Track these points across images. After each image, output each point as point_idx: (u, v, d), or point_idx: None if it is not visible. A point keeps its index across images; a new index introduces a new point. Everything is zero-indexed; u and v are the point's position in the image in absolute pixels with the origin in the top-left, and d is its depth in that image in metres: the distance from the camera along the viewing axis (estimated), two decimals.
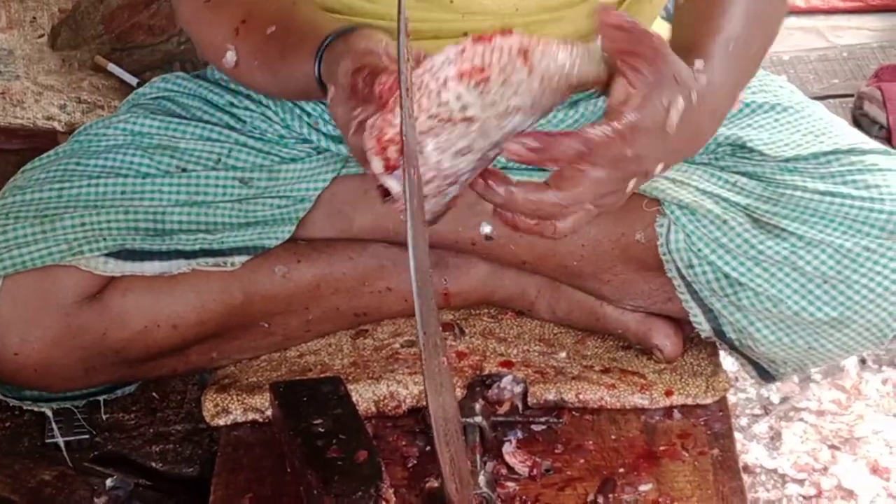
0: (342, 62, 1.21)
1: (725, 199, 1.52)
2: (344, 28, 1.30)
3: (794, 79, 2.63)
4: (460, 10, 1.51)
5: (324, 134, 1.60)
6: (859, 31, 2.90)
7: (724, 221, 1.51)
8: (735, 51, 1.28)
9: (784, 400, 1.78)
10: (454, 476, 1.05)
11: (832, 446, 1.69)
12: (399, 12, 1.04)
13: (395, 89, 1.08)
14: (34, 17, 2.31)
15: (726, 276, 1.51)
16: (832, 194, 1.50)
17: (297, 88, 1.36)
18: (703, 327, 1.56)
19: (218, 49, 1.43)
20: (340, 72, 1.20)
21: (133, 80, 2.30)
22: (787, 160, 1.55)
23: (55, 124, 2.20)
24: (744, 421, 1.75)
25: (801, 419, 1.75)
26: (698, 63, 1.22)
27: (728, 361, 1.71)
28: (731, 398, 1.72)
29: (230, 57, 1.41)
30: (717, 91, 1.24)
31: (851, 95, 2.51)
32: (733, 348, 1.58)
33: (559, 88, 1.07)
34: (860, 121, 2.40)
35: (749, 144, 1.57)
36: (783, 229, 1.49)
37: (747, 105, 1.63)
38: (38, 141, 2.24)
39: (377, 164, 1.09)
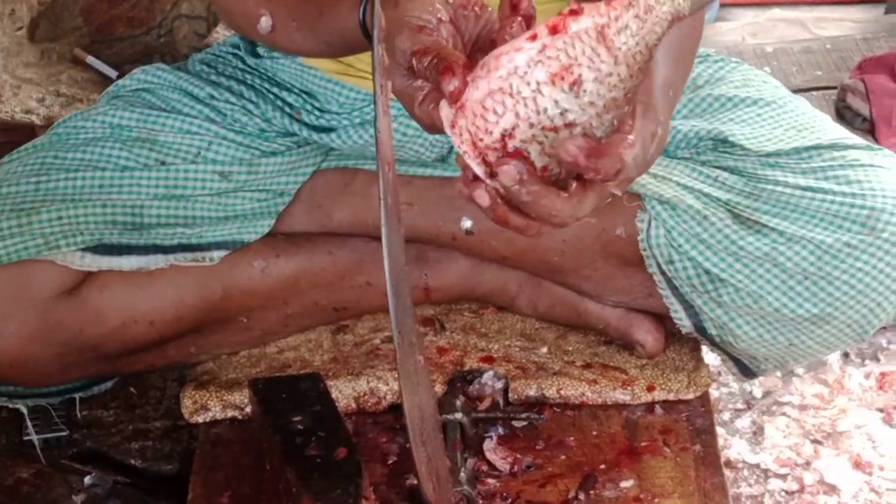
0: (398, 37, 1.12)
1: (706, 195, 1.52)
2: None
3: (778, 71, 2.62)
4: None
5: (306, 124, 1.58)
6: (843, 23, 2.90)
7: (705, 217, 1.50)
8: (673, 95, 1.27)
9: (766, 394, 1.78)
10: (431, 475, 1.04)
11: (815, 441, 1.69)
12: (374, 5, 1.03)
13: (464, 91, 1.04)
14: (13, 10, 2.29)
15: (707, 271, 1.50)
16: (813, 190, 1.49)
17: (341, 45, 1.30)
18: (684, 323, 1.55)
19: (250, 16, 1.37)
20: (398, 48, 1.12)
21: (113, 73, 2.28)
22: (769, 155, 1.54)
23: (33, 118, 2.18)
24: (726, 415, 1.74)
25: (784, 414, 1.74)
26: None
27: (710, 356, 1.70)
28: (714, 393, 1.72)
29: (265, 22, 1.36)
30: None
31: (835, 87, 2.50)
32: (714, 344, 1.57)
33: (643, 63, 1.02)
34: (843, 113, 2.39)
35: (731, 139, 1.56)
36: (764, 225, 1.49)
37: (729, 99, 1.62)
38: (15, 135, 2.22)
39: (480, 170, 1.05)
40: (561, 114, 1.02)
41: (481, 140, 1.04)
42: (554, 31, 1.02)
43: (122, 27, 2.36)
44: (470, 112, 1.04)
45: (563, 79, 1.01)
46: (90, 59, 2.30)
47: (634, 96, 1.04)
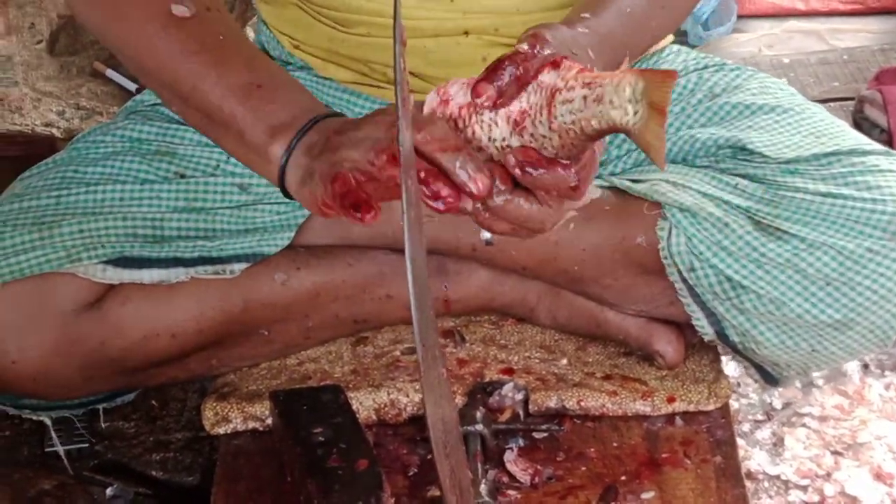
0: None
1: (726, 202, 1.52)
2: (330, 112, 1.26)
3: (795, 82, 2.62)
4: (461, 9, 1.51)
5: None
6: (859, 34, 2.90)
7: (726, 224, 1.50)
8: (631, 14, 1.30)
9: (786, 405, 1.77)
10: (454, 488, 1.04)
11: (835, 452, 1.68)
12: (395, 20, 1.03)
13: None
14: (33, 23, 2.31)
15: (728, 278, 1.50)
16: (833, 196, 1.49)
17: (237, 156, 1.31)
18: (706, 331, 1.55)
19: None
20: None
21: (132, 86, 2.29)
22: (788, 162, 1.54)
23: (53, 131, 2.20)
24: (746, 427, 1.74)
25: (804, 425, 1.74)
26: (584, 14, 1.26)
27: (730, 367, 1.70)
28: (734, 404, 1.71)
29: (182, 10, 1.31)
30: (603, 38, 1.25)
31: (852, 99, 2.50)
32: (736, 351, 1.57)
33: (576, 142, 1.08)
34: (861, 124, 2.39)
35: (749, 146, 1.56)
36: (785, 231, 1.49)
37: (747, 107, 1.62)
38: (36, 147, 2.24)
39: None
40: (502, 140, 1.11)
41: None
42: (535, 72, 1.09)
43: None
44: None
45: (513, 120, 1.09)
46: (110, 73, 2.31)
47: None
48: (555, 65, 1.08)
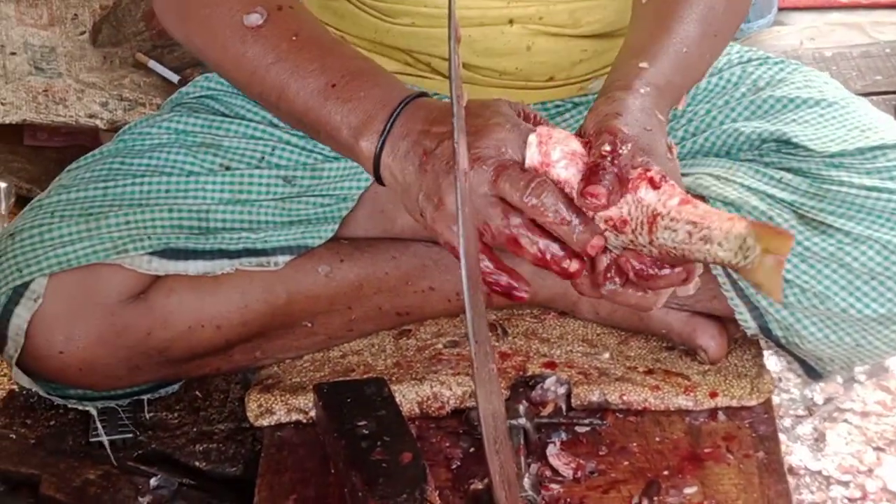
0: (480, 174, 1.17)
1: (771, 196, 1.51)
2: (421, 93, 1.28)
3: (837, 75, 2.60)
4: None
5: None
6: None
7: (770, 218, 1.50)
8: (687, 55, 1.32)
9: (828, 401, 1.77)
10: (503, 482, 1.05)
11: (877, 448, 1.68)
12: (450, 19, 1.03)
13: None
14: (76, 14, 2.32)
15: None
16: (878, 190, 1.49)
17: (328, 95, 1.31)
18: (749, 325, 1.55)
19: (236, 4, 1.36)
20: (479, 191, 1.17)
21: (174, 77, 2.30)
22: (833, 156, 1.54)
23: (97, 122, 2.21)
24: (787, 422, 1.73)
25: (846, 420, 1.73)
26: (642, 64, 1.27)
27: (772, 361, 1.69)
28: (775, 399, 1.71)
29: (255, 18, 1.35)
30: (663, 90, 1.26)
31: (895, 92, 2.48)
32: (780, 346, 1.57)
33: (676, 259, 1.12)
34: None
35: (794, 140, 1.56)
36: (829, 225, 1.48)
37: (791, 101, 1.62)
38: (80, 138, 2.25)
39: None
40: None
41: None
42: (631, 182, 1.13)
43: None
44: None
45: (613, 224, 1.13)
46: (152, 63, 2.32)
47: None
48: (653, 183, 1.11)
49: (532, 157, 1.16)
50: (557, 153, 1.15)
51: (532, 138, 1.16)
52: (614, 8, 1.55)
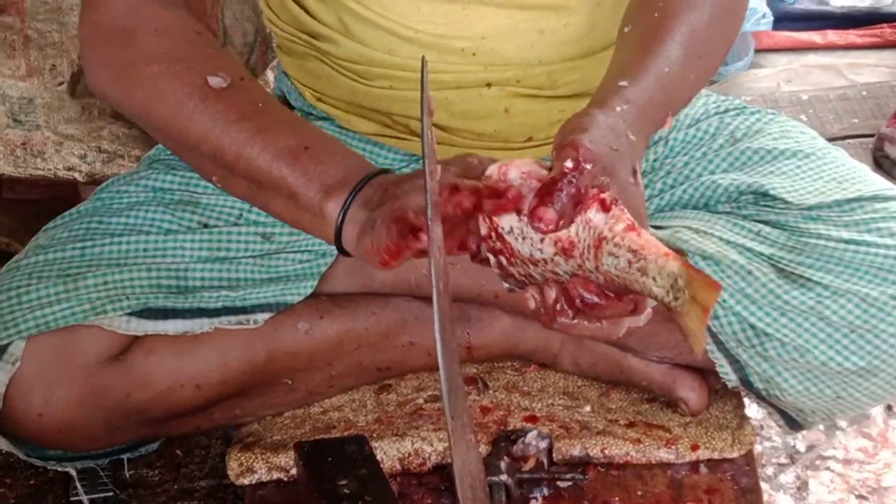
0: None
1: (749, 249, 1.52)
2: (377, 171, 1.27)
3: (814, 118, 2.62)
4: (483, 62, 1.52)
5: None
6: (877, 69, 2.90)
7: (749, 272, 1.50)
8: (670, 74, 1.28)
9: (810, 448, 1.76)
10: None
11: (860, 496, 1.67)
12: (422, 91, 1.04)
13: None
14: (53, 65, 2.31)
15: (752, 326, 1.50)
16: (857, 243, 1.49)
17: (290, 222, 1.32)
18: (730, 378, 1.55)
19: (201, 69, 1.34)
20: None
21: None
22: (811, 208, 1.54)
23: (76, 175, 2.20)
24: (770, 470, 1.73)
25: (828, 468, 1.73)
26: (622, 82, 1.24)
27: (753, 409, 1.69)
28: (757, 447, 1.71)
29: (220, 81, 1.33)
30: (644, 108, 1.23)
31: (872, 135, 2.50)
32: (760, 398, 1.57)
33: (620, 286, 1.09)
34: (881, 162, 2.39)
35: (772, 192, 1.56)
36: (808, 279, 1.49)
37: (769, 152, 1.63)
38: (59, 190, 2.24)
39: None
40: (554, 264, 1.11)
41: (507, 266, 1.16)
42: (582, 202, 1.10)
43: None
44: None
45: (562, 247, 1.10)
46: None
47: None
48: (603, 205, 1.08)
49: (490, 172, 1.14)
50: (513, 173, 1.12)
51: (493, 165, 1.14)
52: (592, 67, 1.55)
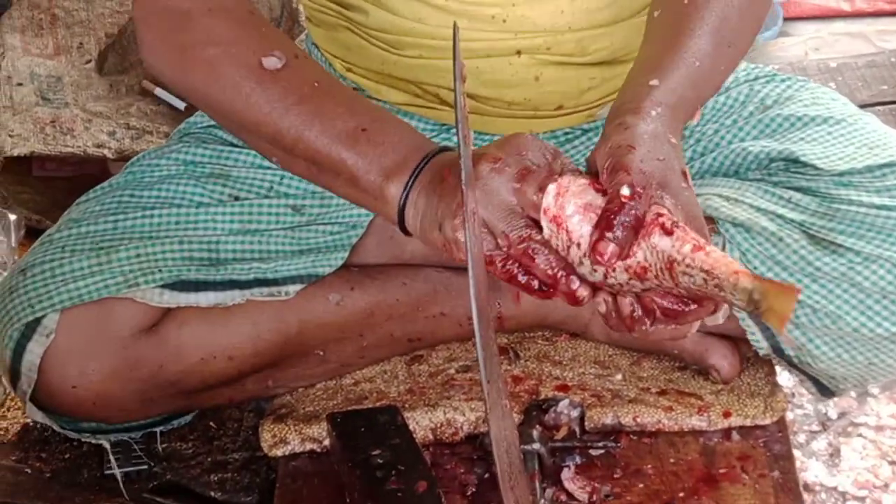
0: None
1: (780, 216, 1.51)
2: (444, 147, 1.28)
3: (843, 86, 2.60)
4: (513, 29, 1.51)
5: None
6: None
7: (780, 238, 1.50)
8: (700, 69, 1.28)
9: (842, 415, 1.76)
10: None
11: (892, 462, 1.67)
12: (455, 58, 1.03)
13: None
14: (81, 43, 2.32)
15: None
16: (888, 208, 1.49)
17: (351, 140, 1.30)
18: (761, 345, 1.55)
19: (256, 49, 1.34)
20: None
21: (181, 105, 2.30)
22: (842, 174, 1.54)
23: (105, 151, 2.20)
24: (801, 437, 1.73)
25: (860, 435, 1.73)
26: (652, 81, 1.24)
27: (784, 377, 1.69)
28: (789, 415, 1.71)
29: (274, 61, 1.33)
30: (676, 107, 1.23)
31: None
32: (792, 365, 1.57)
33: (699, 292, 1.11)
34: None
35: (802, 159, 1.56)
36: (839, 245, 1.48)
37: (799, 119, 1.62)
38: (89, 168, 2.25)
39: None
40: (630, 286, 1.14)
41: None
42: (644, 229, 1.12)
43: None
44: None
45: (634, 272, 1.12)
46: (158, 91, 2.32)
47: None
48: (665, 230, 1.10)
49: (548, 204, 1.15)
50: (571, 208, 1.14)
51: (551, 188, 1.15)
52: (621, 35, 1.55)
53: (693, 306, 1.12)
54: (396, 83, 1.59)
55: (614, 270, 1.12)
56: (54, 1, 2.33)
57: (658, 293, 1.13)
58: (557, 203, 1.14)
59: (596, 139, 1.59)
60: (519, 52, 1.53)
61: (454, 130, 1.56)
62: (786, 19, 2.97)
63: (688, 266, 1.08)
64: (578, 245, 1.13)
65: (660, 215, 1.11)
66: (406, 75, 1.57)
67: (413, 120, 1.60)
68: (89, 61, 2.31)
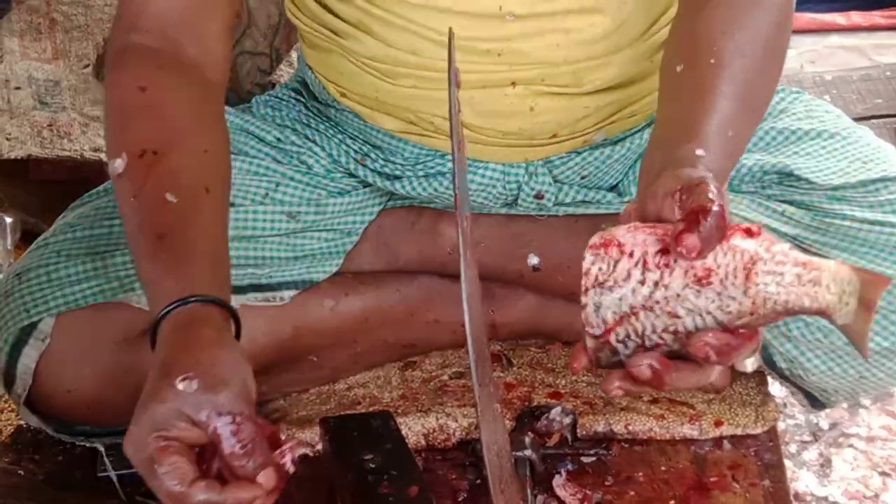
0: None
1: (773, 230, 1.52)
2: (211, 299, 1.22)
3: (837, 99, 2.61)
4: (508, 61, 1.50)
5: (371, 170, 1.60)
6: None
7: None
8: (733, 138, 1.23)
9: (833, 426, 1.77)
10: None
11: (883, 473, 1.68)
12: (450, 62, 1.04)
13: None
14: (79, 48, 2.32)
15: None
16: (881, 224, 1.49)
17: (139, 265, 1.28)
18: (753, 357, 1.56)
19: (112, 146, 1.33)
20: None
21: None
22: (835, 188, 1.54)
23: (102, 156, 2.21)
24: (793, 447, 1.74)
25: (851, 445, 1.73)
26: (699, 151, 1.17)
27: (776, 387, 1.70)
28: (780, 425, 1.71)
29: (118, 165, 1.30)
30: (717, 176, 1.17)
31: (895, 115, 2.49)
32: (784, 377, 1.57)
33: (769, 313, 1.05)
34: None
35: (796, 172, 1.56)
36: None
37: (793, 132, 1.62)
38: (85, 171, 2.25)
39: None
40: (675, 295, 1.05)
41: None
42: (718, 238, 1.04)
43: None
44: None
45: (694, 274, 1.04)
46: None
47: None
48: (749, 233, 1.05)
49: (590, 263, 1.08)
50: (627, 236, 1.07)
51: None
52: (617, 65, 1.53)
53: (739, 339, 1.05)
54: (391, 110, 1.58)
55: (671, 274, 1.05)
56: (53, 5, 2.33)
57: (709, 334, 1.05)
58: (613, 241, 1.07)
59: (591, 159, 1.60)
60: (514, 84, 1.51)
61: (449, 157, 1.56)
62: None
63: (778, 263, 1.03)
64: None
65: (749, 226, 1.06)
66: (401, 103, 1.56)
67: (408, 146, 1.60)
68: (87, 66, 2.31)
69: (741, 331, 1.05)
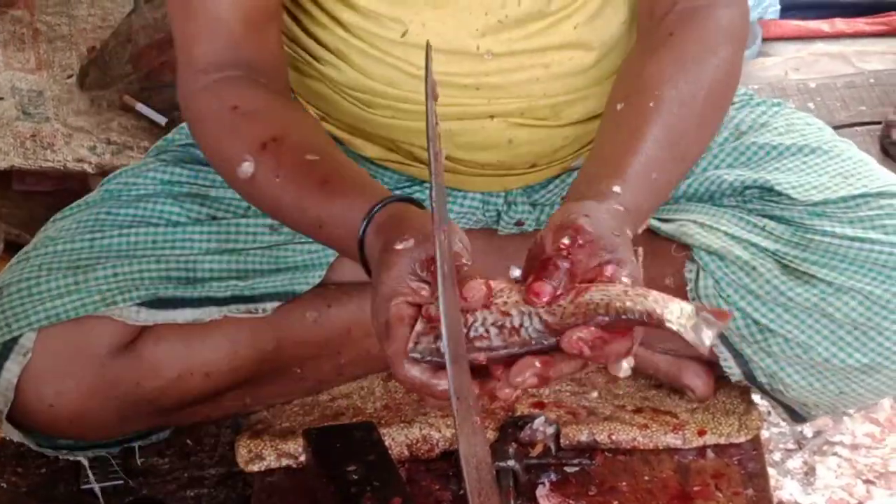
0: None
1: (754, 245, 1.51)
2: (400, 196, 1.29)
3: (821, 106, 2.62)
4: (486, 96, 1.50)
5: None
6: (885, 56, 2.89)
7: (753, 268, 1.50)
8: (656, 181, 1.29)
9: (817, 434, 1.77)
10: None
11: (867, 481, 1.68)
12: (427, 74, 1.04)
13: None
14: (62, 58, 2.32)
15: (756, 322, 1.50)
16: (861, 240, 1.49)
17: (315, 225, 1.34)
18: (734, 371, 1.55)
19: (232, 157, 1.38)
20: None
21: (162, 120, 2.31)
22: (816, 204, 1.54)
23: (85, 166, 2.21)
24: (777, 455, 1.74)
25: (835, 453, 1.73)
26: (615, 188, 1.23)
27: (759, 396, 1.70)
28: (764, 433, 1.71)
29: (247, 168, 1.36)
30: (632, 213, 1.23)
31: (879, 123, 2.50)
32: (764, 392, 1.57)
33: (590, 314, 1.10)
34: (889, 149, 2.38)
35: (777, 188, 1.56)
36: (812, 276, 1.48)
37: (774, 148, 1.62)
38: (69, 182, 2.25)
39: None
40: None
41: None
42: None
43: (172, 74, 2.37)
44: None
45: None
46: (139, 107, 2.32)
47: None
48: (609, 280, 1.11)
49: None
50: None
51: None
52: (595, 98, 1.53)
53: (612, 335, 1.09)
54: (371, 137, 1.58)
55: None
56: (36, 16, 2.33)
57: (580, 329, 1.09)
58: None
59: (570, 181, 1.60)
60: (492, 117, 1.51)
61: (427, 184, 1.56)
62: (765, 39, 2.99)
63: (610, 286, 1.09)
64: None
65: (605, 265, 1.11)
66: (379, 132, 1.56)
67: (387, 172, 1.60)
68: (71, 76, 2.32)
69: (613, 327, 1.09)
